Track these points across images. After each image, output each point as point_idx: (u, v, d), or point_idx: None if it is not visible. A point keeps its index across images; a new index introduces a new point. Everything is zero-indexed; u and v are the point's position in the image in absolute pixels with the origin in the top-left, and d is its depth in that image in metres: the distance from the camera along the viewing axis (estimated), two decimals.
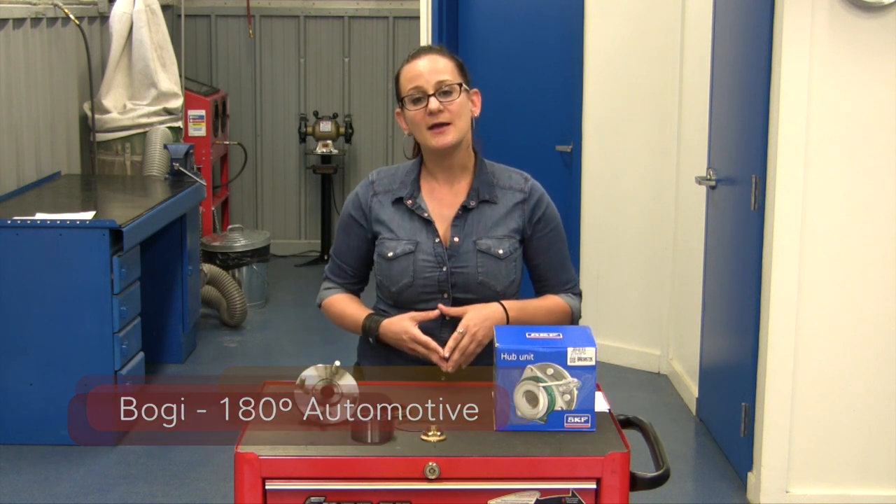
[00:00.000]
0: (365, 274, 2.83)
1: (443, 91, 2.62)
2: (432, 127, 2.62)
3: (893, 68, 3.79)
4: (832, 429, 3.97)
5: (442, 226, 2.69)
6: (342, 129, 7.98)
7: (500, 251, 2.66)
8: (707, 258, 4.87)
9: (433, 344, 2.56)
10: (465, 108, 2.66)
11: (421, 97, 2.62)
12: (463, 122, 2.65)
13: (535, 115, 5.88)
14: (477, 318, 2.57)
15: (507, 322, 2.61)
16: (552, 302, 2.75)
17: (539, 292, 2.78)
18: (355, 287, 2.84)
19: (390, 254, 2.67)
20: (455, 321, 2.62)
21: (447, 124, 2.62)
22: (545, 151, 5.82)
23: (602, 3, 5.56)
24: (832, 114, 3.83)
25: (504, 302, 2.64)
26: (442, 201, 2.71)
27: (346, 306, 2.77)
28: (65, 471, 4.33)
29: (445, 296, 2.66)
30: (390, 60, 8.19)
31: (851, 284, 3.91)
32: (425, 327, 2.64)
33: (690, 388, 5.13)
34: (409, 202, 2.69)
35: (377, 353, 2.76)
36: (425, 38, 5.90)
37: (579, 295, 2.81)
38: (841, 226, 3.88)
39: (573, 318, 2.76)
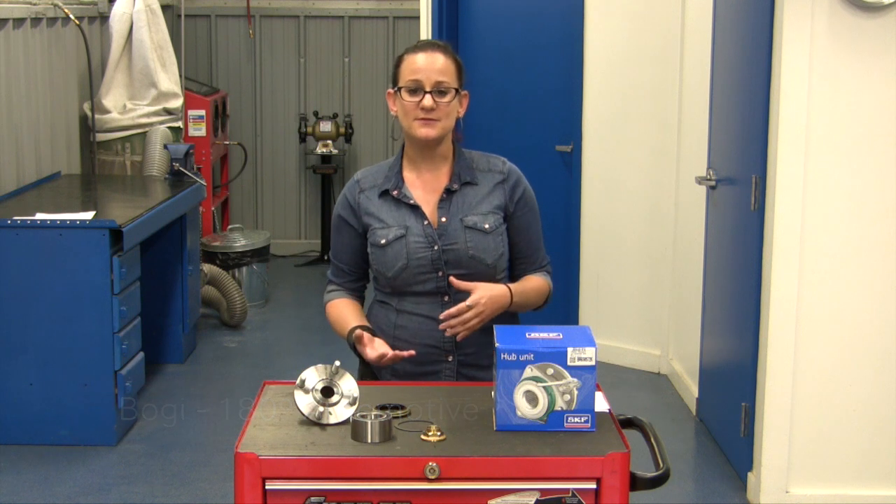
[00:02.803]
0: (364, 271, 2.92)
1: (439, 91, 2.73)
2: (420, 119, 2.73)
3: (893, 68, 3.79)
4: (832, 429, 3.97)
5: (428, 209, 2.79)
6: (342, 129, 7.98)
7: (487, 225, 2.78)
8: (707, 258, 4.87)
9: (388, 353, 2.67)
10: (454, 108, 2.78)
11: (417, 90, 2.73)
12: (449, 121, 2.77)
13: (535, 115, 5.88)
14: (486, 296, 2.68)
15: (511, 301, 2.74)
16: (538, 282, 2.88)
17: (516, 269, 2.90)
18: (356, 285, 2.93)
19: (383, 241, 2.77)
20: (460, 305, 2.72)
21: (435, 120, 2.73)
22: (545, 151, 5.82)
23: (602, 3, 5.56)
24: (832, 114, 3.83)
25: (510, 285, 2.78)
26: (425, 188, 2.82)
27: (339, 315, 2.86)
28: (65, 471, 4.33)
29: (440, 274, 2.76)
30: (390, 60, 8.18)
31: (851, 284, 3.91)
32: (425, 315, 2.76)
33: (690, 388, 5.13)
34: (395, 192, 2.80)
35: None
36: (425, 38, 5.90)
37: (551, 273, 2.96)
38: (841, 226, 3.88)
39: (550, 293, 2.92)
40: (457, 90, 2.76)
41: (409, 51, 2.80)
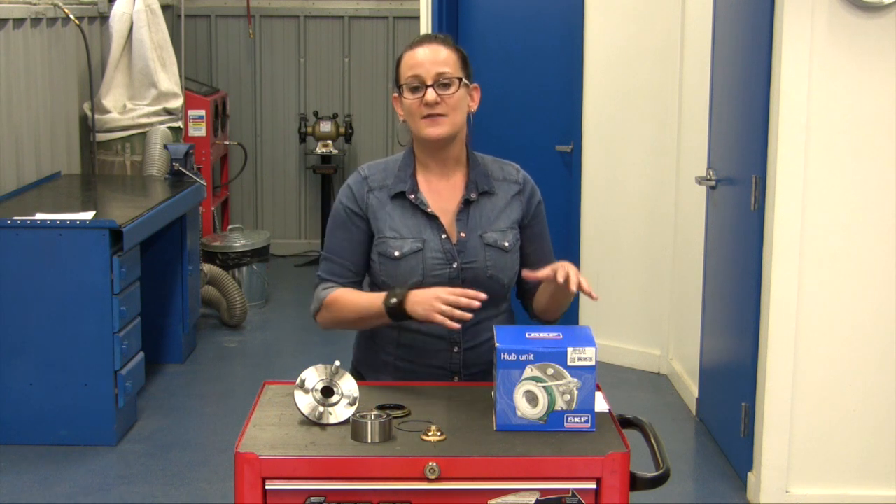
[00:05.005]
0: (363, 270, 2.68)
1: (441, 83, 2.56)
2: (427, 117, 2.56)
3: (893, 68, 3.79)
4: (832, 429, 3.97)
5: (445, 220, 2.61)
6: (342, 129, 7.98)
7: (506, 243, 2.61)
8: (707, 258, 4.87)
9: (467, 292, 2.40)
10: (462, 101, 2.59)
11: (419, 86, 2.56)
12: (458, 116, 2.58)
13: (535, 115, 5.88)
14: (566, 264, 2.47)
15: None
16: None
17: (524, 279, 2.69)
18: (355, 285, 2.69)
19: (397, 253, 2.56)
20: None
21: (442, 116, 2.56)
22: (545, 151, 5.82)
23: (602, 3, 5.56)
24: (832, 114, 3.83)
25: None
26: (441, 195, 2.63)
27: (358, 294, 2.60)
28: (65, 471, 4.33)
29: None
30: (390, 60, 8.19)
31: (851, 284, 3.91)
32: (436, 334, 2.58)
33: (690, 388, 5.13)
34: (412, 196, 2.60)
35: (376, 361, 2.69)
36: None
37: None
38: (841, 226, 3.88)
39: None
40: (461, 80, 2.57)
41: (408, 47, 2.62)
